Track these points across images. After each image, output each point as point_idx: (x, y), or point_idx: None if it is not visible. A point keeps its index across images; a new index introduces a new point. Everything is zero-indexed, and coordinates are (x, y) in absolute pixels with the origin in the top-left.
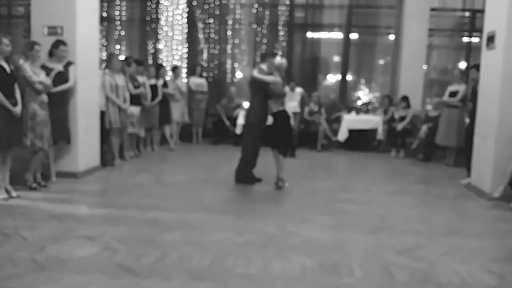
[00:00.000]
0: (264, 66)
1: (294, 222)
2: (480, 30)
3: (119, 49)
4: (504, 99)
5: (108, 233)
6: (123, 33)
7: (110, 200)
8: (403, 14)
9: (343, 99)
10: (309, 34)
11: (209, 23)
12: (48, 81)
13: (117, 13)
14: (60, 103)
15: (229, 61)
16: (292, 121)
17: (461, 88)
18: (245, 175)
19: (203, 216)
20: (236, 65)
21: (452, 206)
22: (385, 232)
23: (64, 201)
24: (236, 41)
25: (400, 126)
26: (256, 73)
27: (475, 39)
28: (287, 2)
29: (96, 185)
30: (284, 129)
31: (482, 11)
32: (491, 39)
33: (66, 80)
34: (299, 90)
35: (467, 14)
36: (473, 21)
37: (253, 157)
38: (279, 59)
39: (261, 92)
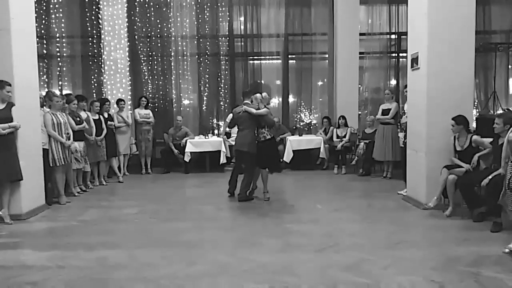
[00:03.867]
0: (248, 101)
1: (245, 247)
2: (406, 51)
3: (61, 85)
4: (430, 115)
5: (54, 277)
6: (64, 69)
7: (56, 240)
8: (335, 40)
9: (286, 121)
10: (250, 62)
11: (152, 54)
12: None
13: (57, 49)
14: (10, 143)
15: (174, 91)
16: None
17: (392, 106)
18: (245, 195)
19: (153, 250)
20: (181, 94)
21: (392, 218)
22: (332, 249)
23: (6, 246)
24: (180, 71)
25: (339, 145)
26: (251, 109)
27: (402, 59)
28: (226, 33)
29: (41, 226)
30: (274, 152)
31: (406, 33)
32: (415, 60)
33: (10, 121)
34: None
35: (393, 36)
36: (399, 43)
37: (253, 179)
38: (261, 94)
39: (254, 124)
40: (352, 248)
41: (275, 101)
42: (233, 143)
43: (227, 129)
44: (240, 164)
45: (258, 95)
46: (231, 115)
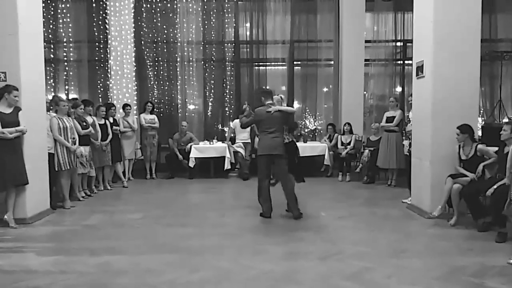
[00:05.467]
0: (270, 101)
1: (248, 254)
2: (412, 58)
3: (67, 90)
4: (435, 124)
5: (57, 282)
6: (71, 73)
7: (60, 245)
8: (340, 47)
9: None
10: (255, 68)
11: (158, 60)
12: None
13: (64, 54)
14: (16, 147)
15: (179, 97)
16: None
17: (396, 113)
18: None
19: (156, 256)
20: (186, 99)
21: (396, 227)
22: (335, 257)
23: (10, 250)
24: (186, 76)
25: (344, 152)
26: (287, 108)
27: (408, 67)
28: (232, 39)
29: (45, 230)
30: (295, 158)
31: (412, 41)
32: (420, 68)
33: (17, 125)
34: None
35: (399, 44)
36: (405, 50)
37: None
38: (280, 96)
39: (283, 126)
40: (355, 256)
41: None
42: (239, 149)
43: (232, 134)
44: (269, 171)
45: (277, 96)
46: (236, 120)
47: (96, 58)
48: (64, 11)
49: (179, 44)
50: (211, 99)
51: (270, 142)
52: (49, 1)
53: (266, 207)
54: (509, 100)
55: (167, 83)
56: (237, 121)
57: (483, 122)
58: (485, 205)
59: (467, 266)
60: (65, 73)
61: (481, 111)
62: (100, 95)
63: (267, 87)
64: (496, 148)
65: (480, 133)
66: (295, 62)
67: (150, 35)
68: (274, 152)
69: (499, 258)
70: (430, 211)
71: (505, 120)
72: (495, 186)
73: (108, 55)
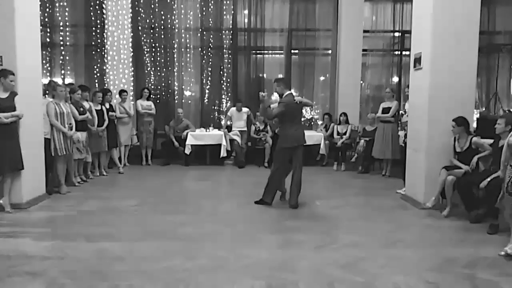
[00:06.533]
0: (289, 92)
1: (244, 243)
2: (409, 49)
3: (64, 74)
4: (431, 116)
5: (54, 267)
6: (67, 58)
7: (56, 230)
8: (338, 36)
9: None
10: (253, 56)
11: (155, 46)
12: None
13: (60, 38)
14: (12, 132)
15: (176, 83)
16: (239, 139)
17: (392, 104)
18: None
19: (153, 243)
20: (183, 86)
21: (390, 217)
22: (329, 247)
23: (6, 235)
24: (183, 63)
25: (340, 142)
26: (308, 101)
27: (405, 58)
28: (230, 27)
29: (41, 215)
30: None
31: (410, 32)
32: (417, 60)
33: (13, 110)
34: (245, 109)
35: (397, 34)
36: (403, 41)
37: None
38: None
39: None
40: (350, 246)
41: (277, 96)
42: (235, 137)
43: (228, 122)
44: (290, 163)
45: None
46: (233, 108)
47: (93, 43)
48: None
49: (176, 30)
50: (208, 86)
51: (295, 133)
52: None
53: (272, 197)
54: (505, 92)
55: (164, 70)
56: (233, 109)
57: (479, 114)
58: (478, 197)
59: (459, 257)
60: (61, 57)
61: (477, 103)
62: (96, 81)
63: (264, 76)
64: (491, 141)
65: (475, 125)
66: (292, 51)
67: (148, 20)
68: (299, 144)
69: (490, 250)
70: (424, 202)
71: (500, 112)
72: (488, 179)
73: (105, 40)
